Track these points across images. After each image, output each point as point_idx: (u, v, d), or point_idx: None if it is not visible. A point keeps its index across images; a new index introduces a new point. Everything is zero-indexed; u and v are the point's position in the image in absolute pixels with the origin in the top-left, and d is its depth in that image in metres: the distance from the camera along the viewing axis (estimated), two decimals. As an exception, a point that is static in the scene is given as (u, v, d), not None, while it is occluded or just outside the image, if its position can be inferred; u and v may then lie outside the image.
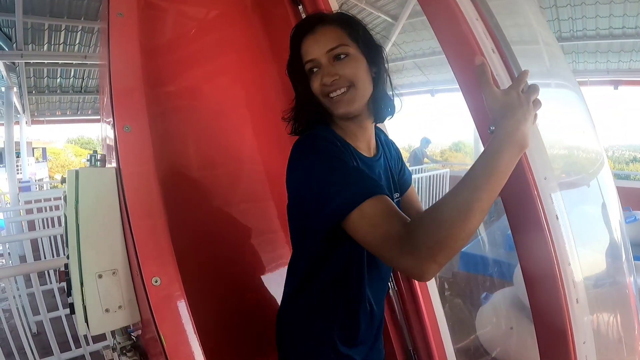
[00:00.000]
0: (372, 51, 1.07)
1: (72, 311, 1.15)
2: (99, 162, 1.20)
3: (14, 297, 3.53)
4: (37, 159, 24.89)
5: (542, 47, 1.48)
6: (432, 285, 1.57)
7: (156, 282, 1.00)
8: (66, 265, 1.25)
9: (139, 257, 1.01)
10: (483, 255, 3.76)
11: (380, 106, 1.10)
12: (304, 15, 1.78)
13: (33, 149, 24.46)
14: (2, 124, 7.84)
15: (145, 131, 1.13)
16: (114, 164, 1.16)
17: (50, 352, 2.97)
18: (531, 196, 0.89)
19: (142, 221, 1.05)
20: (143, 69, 1.46)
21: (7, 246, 5.11)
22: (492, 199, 0.76)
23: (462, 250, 3.94)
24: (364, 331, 1.15)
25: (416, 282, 1.52)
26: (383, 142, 1.22)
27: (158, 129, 1.51)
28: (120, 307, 1.14)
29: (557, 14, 6.56)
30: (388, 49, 8.03)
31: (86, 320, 1.11)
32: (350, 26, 1.04)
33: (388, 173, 1.18)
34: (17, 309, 2.95)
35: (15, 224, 5.59)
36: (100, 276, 1.10)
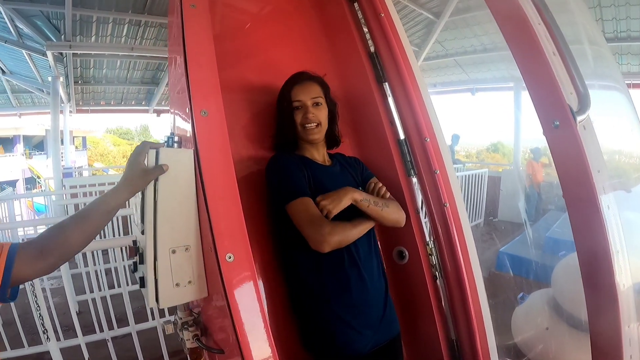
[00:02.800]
0: (331, 105, 1.62)
1: (142, 285, 1.22)
2: (176, 144, 1.27)
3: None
4: (76, 147, 25.68)
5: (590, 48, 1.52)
6: (479, 276, 1.60)
7: (230, 258, 1.06)
8: (134, 242, 1.34)
9: (214, 233, 1.07)
10: (520, 256, 3.73)
11: (329, 138, 1.65)
12: (359, 13, 1.85)
13: (73, 137, 25.26)
14: (49, 112, 8.10)
15: (221, 115, 1.19)
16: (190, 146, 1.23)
17: (92, 330, 3.13)
18: (589, 183, 0.97)
19: (219, 201, 1.12)
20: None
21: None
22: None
23: (500, 250, 3.93)
24: (358, 294, 1.45)
25: (464, 271, 1.57)
26: (340, 159, 1.70)
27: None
28: (190, 282, 1.20)
29: (600, 14, 6.35)
30: (430, 46, 7.96)
31: (156, 294, 1.17)
32: (324, 87, 1.60)
33: (347, 174, 1.64)
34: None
35: (60, 208, 5.82)
36: (173, 251, 1.17)
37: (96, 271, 4.01)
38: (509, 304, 3.32)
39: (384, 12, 1.74)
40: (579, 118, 1.08)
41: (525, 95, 1.26)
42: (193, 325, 1.41)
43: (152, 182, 1.16)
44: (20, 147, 23.64)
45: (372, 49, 1.81)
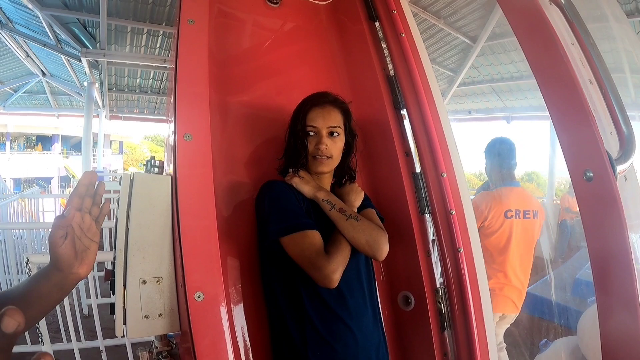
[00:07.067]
0: (350, 135, 1.44)
1: (112, 311, 1.14)
2: (156, 169, 1.18)
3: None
4: (114, 151, 26.44)
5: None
6: (491, 332, 1.42)
7: (199, 297, 0.97)
8: (114, 264, 1.25)
9: (184, 269, 0.98)
10: (546, 298, 3.50)
11: (340, 172, 1.49)
12: (380, 32, 1.72)
13: (111, 141, 26.01)
14: (83, 116, 8.31)
15: (206, 141, 1.10)
16: (171, 171, 1.14)
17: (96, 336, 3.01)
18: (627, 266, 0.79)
19: (193, 234, 1.02)
20: (213, 77, 1.44)
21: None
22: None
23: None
24: (342, 347, 1.26)
25: (474, 324, 1.39)
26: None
27: (224, 138, 1.48)
28: (160, 315, 1.12)
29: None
30: (465, 71, 7.77)
31: (124, 323, 1.10)
32: (347, 115, 1.42)
33: None
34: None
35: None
36: (144, 282, 1.09)
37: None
38: (530, 349, 3.11)
39: (405, 32, 1.60)
40: (619, 168, 0.84)
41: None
42: (167, 356, 1.33)
43: (126, 209, 1.08)
44: (58, 146, 24.48)
45: (391, 72, 1.68)
